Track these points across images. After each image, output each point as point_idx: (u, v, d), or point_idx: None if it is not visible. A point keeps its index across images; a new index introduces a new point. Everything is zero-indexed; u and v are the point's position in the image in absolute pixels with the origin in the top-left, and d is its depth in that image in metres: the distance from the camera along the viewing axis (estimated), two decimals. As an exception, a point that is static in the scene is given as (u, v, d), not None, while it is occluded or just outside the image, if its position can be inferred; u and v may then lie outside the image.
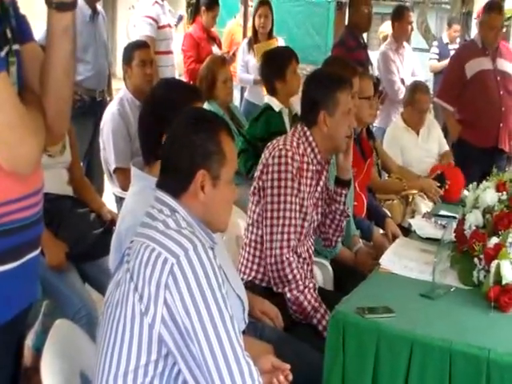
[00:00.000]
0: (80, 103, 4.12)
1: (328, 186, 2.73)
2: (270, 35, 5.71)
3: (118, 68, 4.40)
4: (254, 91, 5.53)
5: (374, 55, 5.80)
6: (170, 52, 5.34)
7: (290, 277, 2.45)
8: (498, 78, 4.54)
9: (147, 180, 2.00)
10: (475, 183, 2.79)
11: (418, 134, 4.34)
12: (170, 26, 5.35)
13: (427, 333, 1.94)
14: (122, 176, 3.39)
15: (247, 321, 2.11)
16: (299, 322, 2.48)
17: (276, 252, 2.46)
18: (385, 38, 6.72)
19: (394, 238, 3.17)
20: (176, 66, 5.51)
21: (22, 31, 1.61)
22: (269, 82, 3.76)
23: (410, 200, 3.88)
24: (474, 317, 2.09)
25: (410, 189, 3.87)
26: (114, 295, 1.59)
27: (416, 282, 2.34)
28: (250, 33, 6.04)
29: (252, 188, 2.61)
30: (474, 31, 6.82)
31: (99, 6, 4.52)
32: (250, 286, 2.45)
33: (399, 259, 2.56)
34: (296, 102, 3.71)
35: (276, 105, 3.72)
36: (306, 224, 2.58)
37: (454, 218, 2.89)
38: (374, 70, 5.55)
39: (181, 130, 1.70)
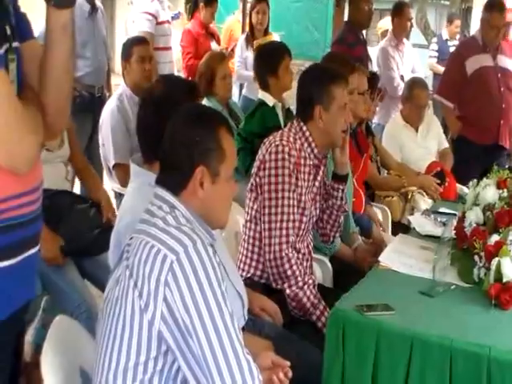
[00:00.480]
0: (79, 99, 4.11)
1: (325, 180, 2.73)
2: (266, 31, 5.72)
3: (117, 64, 4.39)
4: (252, 88, 5.50)
5: (372, 51, 5.79)
6: (168, 48, 5.34)
7: (289, 273, 2.45)
8: (499, 75, 4.53)
9: (146, 176, 1.99)
10: (475, 180, 2.79)
11: (416, 130, 4.34)
12: (168, 21, 5.35)
13: (427, 330, 1.94)
14: (122, 172, 3.38)
15: (247, 317, 2.10)
16: (298, 319, 2.48)
17: (275, 248, 2.46)
18: (383, 34, 6.72)
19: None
20: (174, 62, 5.50)
21: (22, 29, 1.61)
22: (261, 78, 3.76)
23: (410, 197, 3.87)
24: (474, 314, 2.08)
25: (410, 186, 3.86)
26: (114, 292, 1.58)
27: (416, 279, 2.33)
28: (246, 29, 6.05)
29: (249, 184, 2.60)
30: (473, 27, 6.81)
31: (98, 2, 4.51)
32: (249, 283, 2.44)
33: (398, 256, 2.55)
34: (289, 96, 3.72)
35: (269, 100, 3.72)
36: (304, 219, 2.57)
37: (454, 215, 2.89)
38: (374, 66, 5.54)
39: (180, 127, 1.69)
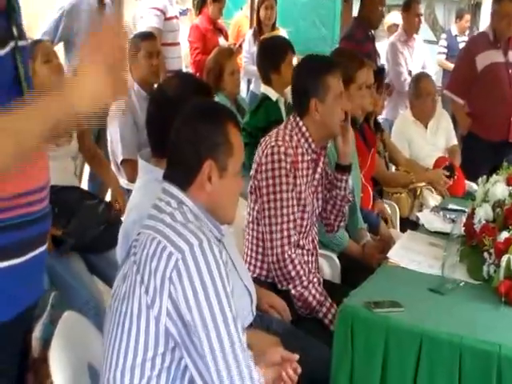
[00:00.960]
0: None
1: (327, 170, 2.70)
2: (273, 26, 5.73)
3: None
4: (259, 83, 5.49)
5: (379, 46, 5.76)
6: (177, 43, 5.32)
7: (294, 273, 2.44)
8: (510, 71, 4.48)
9: (154, 172, 1.98)
10: (485, 177, 2.77)
11: (426, 127, 4.31)
12: (177, 17, 5.34)
13: (436, 328, 1.93)
14: (130, 168, 3.37)
15: (255, 313, 2.10)
16: (305, 317, 2.47)
17: (277, 250, 2.44)
18: (389, 29, 6.69)
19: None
20: (182, 58, 5.49)
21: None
22: (264, 73, 3.76)
23: (418, 193, 3.85)
24: (484, 312, 2.07)
25: (418, 182, 3.84)
26: (121, 288, 1.58)
27: (425, 276, 2.32)
28: (254, 24, 6.04)
29: (249, 187, 2.58)
30: (482, 23, 6.76)
31: (106, -3, 4.50)
32: (256, 283, 2.42)
33: (407, 253, 2.54)
34: (291, 91, 3.72)
35: (272, 94, 3.72)
36: (306, 216, 2.55)
37: (463, 211, 2.87)
38: (382, 61, 5.51)
39: (188, 121, 1.68)
